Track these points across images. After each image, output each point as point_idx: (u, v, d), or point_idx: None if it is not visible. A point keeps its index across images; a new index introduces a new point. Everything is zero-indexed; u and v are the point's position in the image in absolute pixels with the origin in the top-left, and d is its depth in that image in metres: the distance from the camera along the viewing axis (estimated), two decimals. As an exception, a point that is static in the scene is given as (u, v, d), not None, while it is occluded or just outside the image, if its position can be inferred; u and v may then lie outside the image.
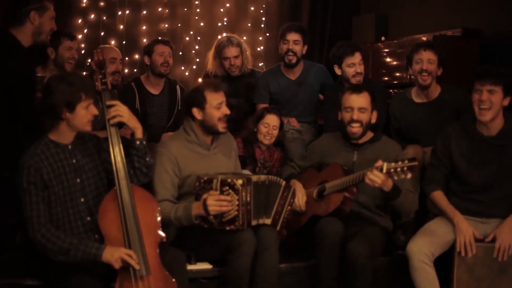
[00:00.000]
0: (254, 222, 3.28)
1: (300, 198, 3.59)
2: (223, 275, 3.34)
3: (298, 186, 3.65)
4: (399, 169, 3.18)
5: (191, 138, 3.48)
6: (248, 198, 3.21)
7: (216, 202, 3.16)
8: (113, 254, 2.79)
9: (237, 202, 3.17)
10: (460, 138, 3.48)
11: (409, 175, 3.19)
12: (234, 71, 4.82)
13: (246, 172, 4.02)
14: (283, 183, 3.42)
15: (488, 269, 3.35)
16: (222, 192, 3.18)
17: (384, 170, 3.22)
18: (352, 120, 3.59)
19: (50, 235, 2.81)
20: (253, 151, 4.27)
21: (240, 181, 3.17)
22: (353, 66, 4.31)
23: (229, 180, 3.18)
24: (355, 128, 3.60)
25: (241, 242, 3.19)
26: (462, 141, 3.47)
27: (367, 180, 3.26)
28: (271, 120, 4.28)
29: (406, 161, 3.17)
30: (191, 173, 3.40)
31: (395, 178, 3.25)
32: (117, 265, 2.79)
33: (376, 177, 3.23)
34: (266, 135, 4.26)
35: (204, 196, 3.19)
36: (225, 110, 3.46)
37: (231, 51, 4.77)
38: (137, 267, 2.81)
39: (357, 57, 4.31)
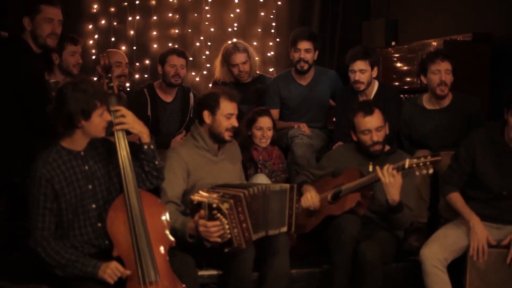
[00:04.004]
0: (255, 237, 3.15)
1: (310, 197, 3.62)
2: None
3: (308, 188, 3.70)
4: (421, 164, 3.24)
5: (199, 144, 3.49)
6: (242, 217, 3.07)
7: (205, 229, 3.06)
8: (105, 271, 2.80)
9: (227, 226, 3.05)
10: (486, 147, 3.44)
11: (431, 170, 3.24)
12: (244, 77, 4.82)
13: (262, 177, 4.00)
14: (288, 186, 3.35)
15: (500, 275, 3.32)
16: (212, 216, 3.05)
17: (407, 165, 3.27)
18: (374, 142, 3.61)
19: (49, 250, 2.81)
20: (250, 154, 4.21)
21: (226, 205, 3.01)
22: (353, 72, 4.30)
23: (214, 205, 3.03)
24: (377, 146, 3.62)
25: (238, 252, 3.15)
26: (488, 150, 3.44)
27: (380, 175, 3.32)
28: (264, 122, 4.24)
29: (429, 157, 3.23)
30: (202, 178, 3.40)
31: (417, 173, 3.29)
32: (111, 281, 2.80)
33: (391, 173, 3.30)
34: (262, 138, 4.23)
35: (196, 219, 3.10)
36: (234, 122, 3.46)
37: (239, 58, 4.76)
38: (124, 275, 2.81)
39: (358, 65, 4.26)
